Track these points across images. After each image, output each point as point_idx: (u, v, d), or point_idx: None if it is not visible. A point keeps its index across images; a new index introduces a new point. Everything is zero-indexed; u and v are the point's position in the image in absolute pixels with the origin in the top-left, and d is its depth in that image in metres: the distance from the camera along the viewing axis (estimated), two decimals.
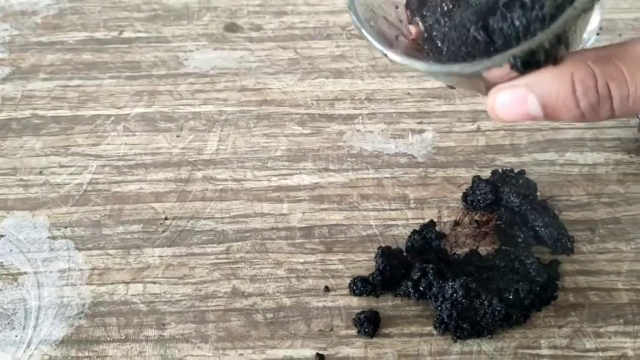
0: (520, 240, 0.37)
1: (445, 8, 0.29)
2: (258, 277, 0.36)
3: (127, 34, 0.51)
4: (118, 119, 0.45)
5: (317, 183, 0.41)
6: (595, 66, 0.23)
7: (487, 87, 0.26)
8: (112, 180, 0.41)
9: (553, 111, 0.24)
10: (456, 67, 0.25)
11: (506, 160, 0.41)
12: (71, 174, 0.41)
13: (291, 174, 0.41)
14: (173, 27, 0.51)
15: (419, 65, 0.26)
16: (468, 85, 0.31)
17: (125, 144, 0.43)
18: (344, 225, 0.38)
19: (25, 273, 0.36)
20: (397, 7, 0.30)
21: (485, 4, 0.27)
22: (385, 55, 0.26)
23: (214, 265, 0.37)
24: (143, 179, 0.41)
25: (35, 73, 0.48)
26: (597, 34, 0.41)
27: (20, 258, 0.37)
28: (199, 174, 0.41)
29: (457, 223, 0.38)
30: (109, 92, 0.46)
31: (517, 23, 0.25)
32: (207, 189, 0.40)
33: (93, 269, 0.37)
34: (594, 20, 0.40)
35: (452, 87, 0.40)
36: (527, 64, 0.24)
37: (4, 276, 0.36)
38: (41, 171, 0.42)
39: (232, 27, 0.51)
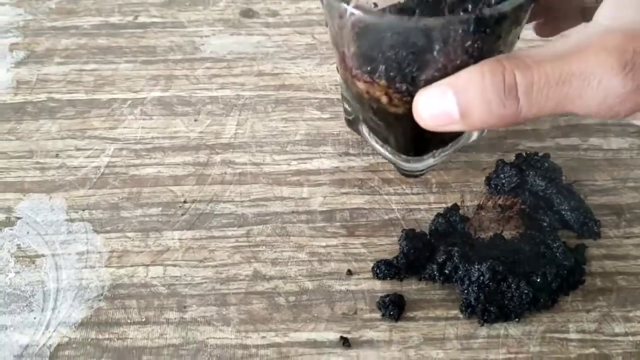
0: (545, 224, 0.36)
1: None
2: (279, 260, 0.36)
3: (142, 19, 0.50)
4: (135, 102, 0.44)
5: (337, 167, 0.40)
6: (505, 59, 0.25)
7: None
8: (129, 163, 0.40)
9: (466, 106, 0.25)
10: (422, 22, 0.27)
11: (529, 145, 0.41)
12: (88, 157, 0.41)
13: (311, 158, 0.41)
14: (189, 12, 0.51)
15: (378, 19, 0.29)
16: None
17: (143, 127, 0.43)
18: (365, 209, 0.38)
19: (43, 255, 0.36)
20: None
21: None
22: (346, 11, 0.29)
23: (235, 249, 0.36)
24: (161, 163, 0.40)
25: (50, 57, 0.47)
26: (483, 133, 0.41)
27: (37, 240, 0.37)
28: (218, 158, 0.41)
29: (480, 207, 0.38)
30: (125, 76, 0.46)
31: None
32: (225, 173, 0.40)
33: (112, 251, 0.36)
34: None
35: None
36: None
37: (21, 258, 0.36)
38: (57, 154, 0.41)
39: (248, 13, 0.51)
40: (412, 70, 0.30)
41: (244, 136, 0.42)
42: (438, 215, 0.36)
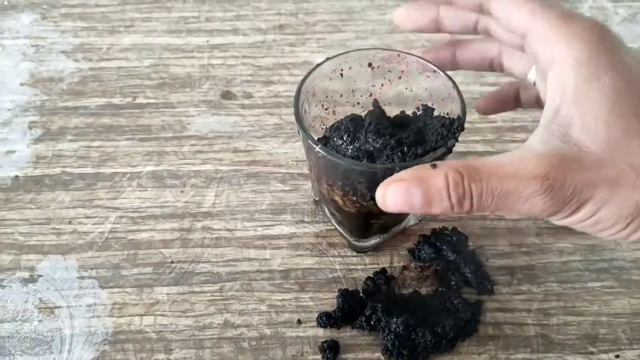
0: (453, 283, 0.46)
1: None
2: (245, 311, 0.45)
3: (139, 100, 0.61)
4: (132, 176, 0.54)
5: (294, 233, 0.50)
6: (463, 169, 0.31)
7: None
8: (128, 229, 0.50)
9: (429, 201, 0.32)
10: (368, 167, 0.39)
11: (447, 215, 0.51)
12: (95, 223, 0.51)
13: (273, 225, 0.51)
14: (178, 94, 0.61)
15: (338, 160, 0.40)
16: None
17: (139, 197, 0.53)
18: (314, 268, 0.48)
19: (60, 307, 0.46)
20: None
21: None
22: (314, 148, 0.40)
23: (210, 302, 0.46)
24: (153, 228, 0.50)
25: (63, 135, 0.57)
26: (420, 220, 0.51)
27: (55, 295, 0.46)
28: (199, 224, 0.51)
29: (404, 268, 0.48)
30: (124, 152, 0.56)
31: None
32: (205, 237, 0.50)
33: (114, 303, 0.46)
34: None
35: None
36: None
37: (43, 309, 0.46)
38: (70, 221, 0.51)
39: (227, 95, 0.61)
40: (361, 189, 0.40)
41: (220, 205, 0.52)
42: (368, 278, 0.46)
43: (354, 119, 0.44)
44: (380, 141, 0.41)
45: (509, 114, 0.59)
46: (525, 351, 0.43)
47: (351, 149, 0.43)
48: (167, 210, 0.52)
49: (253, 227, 0.51)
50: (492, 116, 0.59)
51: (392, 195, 0.33)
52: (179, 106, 0.60)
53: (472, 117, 0.58)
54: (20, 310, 0.45)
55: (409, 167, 0.37)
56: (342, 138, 0.43)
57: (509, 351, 0.43)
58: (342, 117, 0.45)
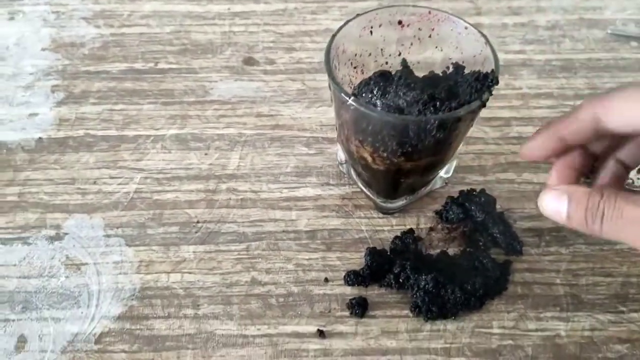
0: (481, 244, 0.46)
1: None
2: (272, 270, 0.45)
3: (161, 65, 0.60)
4: (156, 138, 0.54)
5: (319, 195, 0.50)
6: (606, 193, 0.33)
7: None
8: (153, 190, 0.50)
9: (570, 214, 0.34)
10: (401, 118, 0.39)
11: (474, 179, 0.51)
12: (120, 184, 0.51)
13: (298, 187, 0.51)
14: (200, 59, 0.61)
15: (370, 112, 0.39)
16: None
17: (163, 159, 0.52)
18: (341, 229, 0.48)
19: (87, 264, 0.46)
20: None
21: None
22: (347, 101, 0.39)
23: (237, 260, 0.46)
24: (178, 189, 0.50)
25: (86, 98, 0.57)
26: (446, 183, 0.51)
27: (82, 252, 0.46)
28: (224, 186, 0.51)
29: (431, 229, 0.48)
30: (148, 116, 0.56)
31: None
32: (230, 199, 0.50)
33: (141, 261, 0.46)
34: (450, 169, 0.50)
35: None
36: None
37: (70, 266, 0.46)
38: (95, 181, 0.51)
39: (249, 61, 0.61)
40: (392, 144, 0.40)
41: (245, 168, 0.52)
42: (396, 237, 0.46)
43: (383, 74, 0.44)
44: (412, 94, 0.41)
45: (533, 81, 0.58)
46: (554, 310, 0.43)
47: (380, 105, 0.43)
48: (192, 172, 0.52)
49: (278, 189, 0.50)
50: (517, 83, 0.58)
51: (547, 200, 0.35)
52: (201, 72, 0.60)
53: None
54: (47, 266, 0.45)
55: (442, 119, 0.37)
56: (372, 92, 0.43)
57: (538, 310, 0.43)
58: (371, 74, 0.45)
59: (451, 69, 0.45)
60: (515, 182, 0.50)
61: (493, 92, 0.40)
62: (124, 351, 0.41)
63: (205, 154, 0.53)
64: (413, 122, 0.38)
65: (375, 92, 0.43)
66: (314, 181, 0.51)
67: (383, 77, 0.43)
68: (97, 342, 0.42)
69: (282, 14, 0.66)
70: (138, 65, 0.60)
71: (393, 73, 0.45)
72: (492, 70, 0.40)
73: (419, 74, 0.46)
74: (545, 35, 0.63)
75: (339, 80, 0.42)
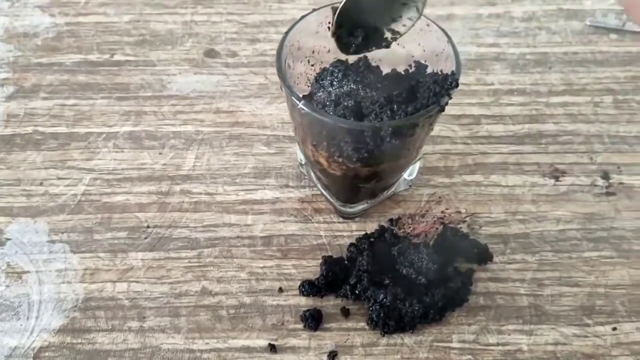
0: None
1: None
2: (224, 278, 0.43)
3: (117, 57, 0.57)
4: (109, 136, 0.51)
5: (277, 198, 0.48)
6: None
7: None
8: (102, 192, 0.48)
9: None
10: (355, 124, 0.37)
11: (440, 180, 0.48)
12: (67, 185, 0.48)
13: (256, 189, 0.48)
14: (159, 51, 0.58)
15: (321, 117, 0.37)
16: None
17: (115, 159, 0.50)
18: (298, 235, 0.45)
19: (29, 272, 0.43)
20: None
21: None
22: (297, 105, 0.37)
23: (187, 268, 0.44)
24: (129, 191, 0.48)
25: (36, 92, 0.54)
26: (410, 185, 0.48)
27: (24, 259, 0.44)
28: (177, 188, 0.48)
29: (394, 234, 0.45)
30: (101, 112, 0.53)
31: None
32: (183, 202, 0.47)
33: (85, 269, 0.43)
34: (414, 170, 0.47)
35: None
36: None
37: (10, 274, 0.43)
38: (41, 182, 0.48)
39: (210, 53, 0.58)
40: (347, 150, 0.38)
41: (200, 168, 0.49)
42: (350, 244, 0.44)
43: (339, 63, 0.41)
44: (370, 94, 0.39)
45: (506, 77, 0.56)
46: (517, 322, 0.41)
47: (335, 96, 0.40)
48: (145, 172, 0.49)
49: (235, 191, 0.48)
50: (489, 79, 0.56)
51: None
52: (160, 64, 0.57)
53: (467, 79, 0.55)
54: None
55: (398, 126, 0.35)
56: (331, 84, 0.41)
57: (500, 322, 0.41)
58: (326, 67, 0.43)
59: (413, 68, 0.42)
60: (482, 185, 0.48)
61: (452, 96, 0.37)
62: None
63: (160, 153, 0.50)
64: (368, 127, 0.36)
65: (333, 83, 0.41)
66: (272, 183, 0.49)
67: (339, 67, 0.41)
68: (35, 356, 0.39)
69: (247, 2, 0.63)
70: (93, 57, 0.57)
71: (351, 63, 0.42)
72: (452, 72, 0.38)
73: (382, 71, 0.44)
74: (520, 27, 0.61)
75: (290, 83, 0.39)
